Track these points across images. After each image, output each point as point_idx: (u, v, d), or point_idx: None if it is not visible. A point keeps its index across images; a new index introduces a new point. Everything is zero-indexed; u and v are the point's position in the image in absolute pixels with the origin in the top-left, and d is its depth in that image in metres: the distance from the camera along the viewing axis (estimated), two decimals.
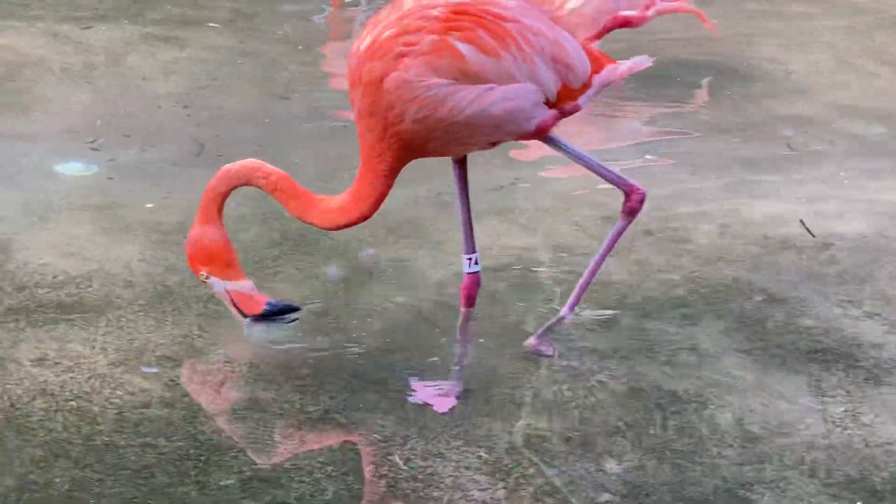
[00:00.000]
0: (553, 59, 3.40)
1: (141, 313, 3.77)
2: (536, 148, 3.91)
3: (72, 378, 3.45)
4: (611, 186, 3.61)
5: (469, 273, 3.70)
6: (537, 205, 4.66)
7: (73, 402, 3.34)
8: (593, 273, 3.66)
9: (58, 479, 3.06)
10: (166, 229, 4.29)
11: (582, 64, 3.47)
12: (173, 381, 3.47)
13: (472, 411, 3.38)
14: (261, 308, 3.56)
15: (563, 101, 3.46)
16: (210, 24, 6.71)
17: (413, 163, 3.46)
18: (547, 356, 3.62)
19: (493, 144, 3.51)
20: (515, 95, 3.36)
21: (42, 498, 3.00)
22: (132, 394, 3.39)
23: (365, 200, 3.44)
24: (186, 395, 3.42)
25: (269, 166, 3.49)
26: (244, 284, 3.56)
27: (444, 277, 4.04)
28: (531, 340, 3.66)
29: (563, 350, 3.67)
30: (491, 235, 4.33)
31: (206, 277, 3.54)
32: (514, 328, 3.79)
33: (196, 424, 3.29)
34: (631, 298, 3.99)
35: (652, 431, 3.31)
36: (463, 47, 3.30)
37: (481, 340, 3.73)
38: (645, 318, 3.87)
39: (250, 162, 3.50)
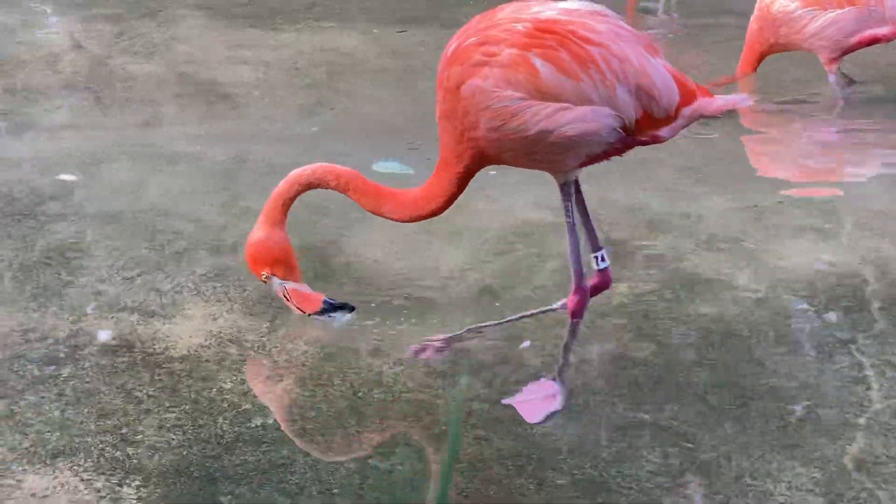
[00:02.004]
0: (637, 86, 3.34)
1: (467, 314, 3.91)
2: None
3: (403, 371, 3.62)
4: None
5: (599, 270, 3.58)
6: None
7: (407, 395, 3.51)
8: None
9: (400, 467, 3.22)
10: (487, 231, 4.42)
11: (668, 95, 3.39)
12: (496, 379, 3.59)
13: (808, 431, 3.38)
14: (319, 305, 3.72)
15: (644, 130, 3.40)
16: None
17: None
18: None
19: (575, 165, 3.41)
20: (590, 118, 3.31)
21: (385, 484, 3.16)
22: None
23: (438, 198, 3.52)
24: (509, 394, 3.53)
25: (339, 167, 3.60)
26: (302, 286, 3.72)
27: None
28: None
29: None
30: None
31: (267, 278, 3.69)
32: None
33: (525, 425, 3.40)
34: None
35: None
36: (540, 64, 3.28)
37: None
38: None
39: (319, 165, 3.62)
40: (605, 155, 3.43)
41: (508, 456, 3.26)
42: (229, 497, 3.10)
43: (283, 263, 3.67)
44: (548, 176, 3.48)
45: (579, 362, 3.66)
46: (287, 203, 3.65)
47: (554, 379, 3.53)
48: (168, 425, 3.35)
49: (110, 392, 3.48)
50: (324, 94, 5.74)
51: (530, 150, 3.35)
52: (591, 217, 3.59)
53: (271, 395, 3.51)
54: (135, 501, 3.08)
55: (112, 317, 3.84)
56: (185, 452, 3.25)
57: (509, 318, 3.77)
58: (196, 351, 3.69)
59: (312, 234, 4.39)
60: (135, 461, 3.21)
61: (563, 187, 3.47)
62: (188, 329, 3.78)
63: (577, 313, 3.52)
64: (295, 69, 6.08)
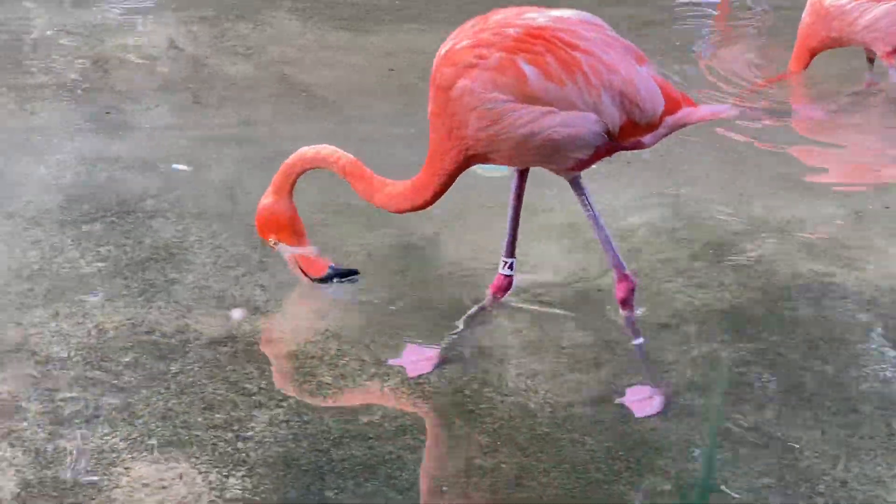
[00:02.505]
0: (621, 94, 3.44)
1: (569, 314, 3.93)
2: None
3: (508, 372, 3.64)
4: None
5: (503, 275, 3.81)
6: None
7: (511, 398, 3.52)
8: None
9: (504, 465, 3.24)
10: (580, 231, 4.42)
11: (652, 104, 3.49)
12: (602, 382, 3.60)
13: None
14: (325, 271, 3.92)
15: (627, 136, 3.51)
16: None
17: None
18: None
19: (566, 169, 3.54)
20: (575, 123, 3.42)
21: (490, 483, 3.19)
22: (560, 392, 3.55)
23: (425, 191, 3.63)
24: (608, 397, 3.54)
25: (341, 152, 3.77)
26: (309, 250, 3.91)
27: None
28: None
29: None
30: None
31: (275, 244, 3.90)
32: None
33: (629, 423, 3.41)
34: None
35: None
36: (528, 69, 3.38)
37: None
38: None
39: (324, 147, 3.80)
40: (591, 159, 3.53)
41: (603, 458, 3.27)
42: (336, 491, 3.15)
43: (289, 229, 3.87)
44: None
45: (683, 365, 3.66)
46: (294, 175, 3.84)
47: (647, 384, 3.56)
48: (276, 420, 3.40)
49: (217, 386, 3.54)
50: (416, 97, 5.77)
51: (517, 151, 3.47)
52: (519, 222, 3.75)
53: (376, 391, 3.55)
54: (240, 492, 3.13)
55: (219, 313, 3.90)
56: (292, 446, 3.30)
57: (469, 313, 3.86)
58: (302, 347, 3.74)
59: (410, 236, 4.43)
60: (243, 454, 3.26)
61: (574, 183, 3.59)
62: (292, 325, 3.82)
63: (626, 302, 3.64)
64: (387, 71, 6.12)
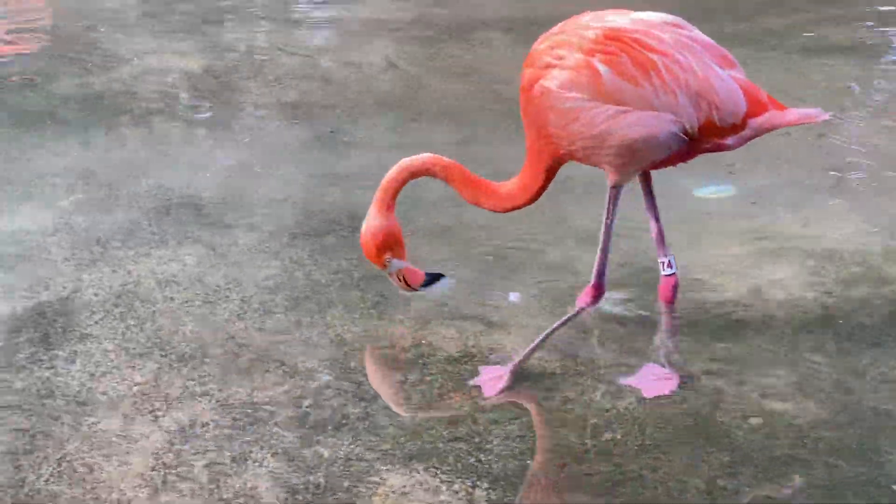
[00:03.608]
0: (697, 94, 3.48)
1: (807, 338, 3.89)
2: None
3: (747, 392, 3.62)
4: None
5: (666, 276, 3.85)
6: None
7: (753, 419, 3.50)
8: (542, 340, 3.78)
9: (746, 488, 3.22)
10: (818, 253, 4.37)
11: (733, 105, 3.52)
12: (846, 405, 3.55)
13: None
14: (422, 279, 3.84)
15: (707, 137, 3.55)
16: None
17: None
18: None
19: (640, 167, 3.60)
20: (650, 122, 3.48)
21: (732, 503, 3.17)
22: (797, 413, 3.51)
23: (528, 191, 3.71)
24: (857, 421, 3.49)
25: (445, 158, 3.75)
26: (406, 263, 3.82)
27: None
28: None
29: None
30: None
31: (389, 261, 3.78)
32: None
33: (880, 451, 3.35)
34: None
35: None
36: (602, 68, 3.45)
37: None
38: None
39: (428, 155, 3.77)
40: (671, 160, 3.61)
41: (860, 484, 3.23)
42: None
43: (400, 245, 3.79)
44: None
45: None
46: (398, 189, 3.77)
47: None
48: (512, 435, 3.45)
49: (455, 398, 3.61)
50: None
51: (596, 149, 3.52)
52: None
53: (614, 409, 3.57)
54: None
55: (453, 325, 3.98)
56: (529, 461, 3.34)
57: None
58: (537, 362, 3.78)
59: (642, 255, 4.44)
60: (486, 466, 3.32)
61: (613, 189, 3.64)
62: (529, 341, 3.88)
63: (584, 308, 3.75)
64: None
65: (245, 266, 4.39)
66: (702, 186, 5.08)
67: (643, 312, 4.04)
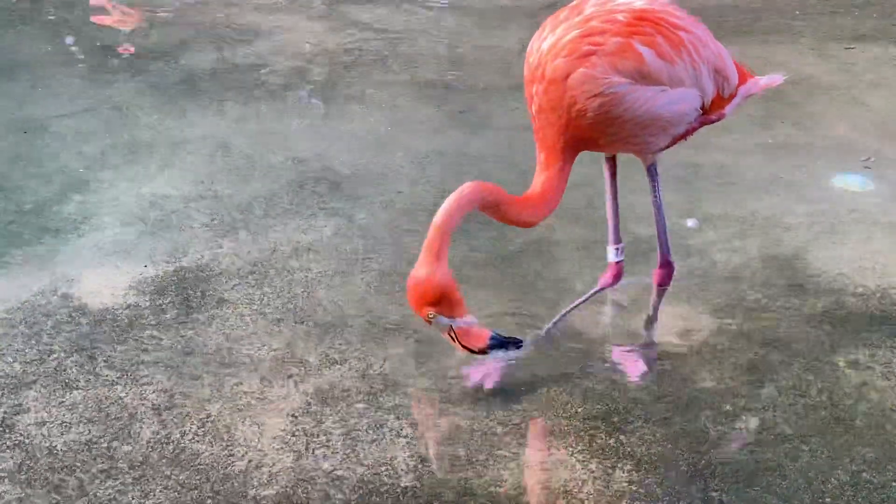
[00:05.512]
0: (714, 68, 3.57)
1: None
2: None
3: (893, 386, 3.57)
4: None
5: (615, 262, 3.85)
6: None
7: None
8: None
9: (894, 483, 3.16)
10: None
11: (734, 76, 3.64)
12: None
13: None
14: (486, 341, 3.45)
15: (714, 109, 3.62)
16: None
17: None
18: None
19: (664, 145, 3.60)
20: (682, 99, 3.51)
21: (878, 498, 3.11)
22: None
23: (555, 190, 3.54)
24: None
25: (486, 183, 3.43)
26: (469, 321, 3.43)
27: None
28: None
29: None
30: None
31: (433, 317, 3.39)
32: None
33: None
34: None
35: None
36: (644, 50, 3.43)
37: None
38: None
39: (470, 188, 3.39)
40: (682, 136, 3.62)
41: None
42: (718, 493, 3.14)
43: (448, 300, 3.37)
44: None
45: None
46: (450, 234, 3.37)
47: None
48: (654, 418, 3.43)
49: (592, 381, 3.60)
50: (776, 106, 5.70)
51: (630, 132, 3.49)
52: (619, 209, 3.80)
53: (752, 398, 3.52)
54: (626, 485, 3.17)
55: (587, 310, 3.96)
56: (669, 446, 3.32)
57: (563, 312, 3.85)
58: (675, 349, 3.75)
59: (777, 247, 4.38)
60: (627, 448, 3.30)
61: (651, 168, 3.67)
62: (669, 324, 3.84)
63: (662, 285, 3.85)
64: None
65: (382, 240, 4.42)
66: (842, 175, 5.00)
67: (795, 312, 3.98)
